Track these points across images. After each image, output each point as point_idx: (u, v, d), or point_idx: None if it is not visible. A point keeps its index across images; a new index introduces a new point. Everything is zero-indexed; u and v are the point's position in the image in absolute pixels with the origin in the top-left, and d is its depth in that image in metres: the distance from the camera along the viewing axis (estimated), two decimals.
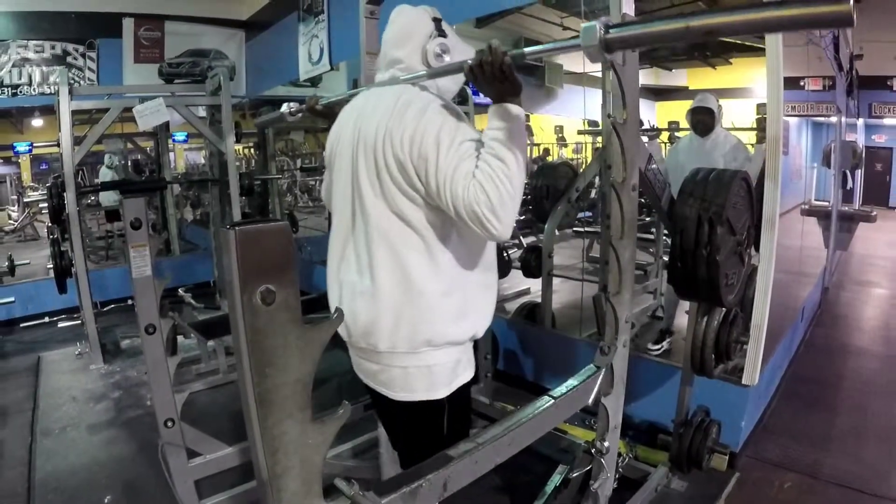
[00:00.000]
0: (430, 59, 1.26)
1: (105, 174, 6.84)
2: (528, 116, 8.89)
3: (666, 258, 3.92)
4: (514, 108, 1.11)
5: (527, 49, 1.04)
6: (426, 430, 1.28)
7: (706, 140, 3.28)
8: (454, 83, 1.34)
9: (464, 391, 1.31)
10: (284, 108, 1.74)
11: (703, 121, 3.28)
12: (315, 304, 2.60)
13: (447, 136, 1.10)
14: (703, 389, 2.20)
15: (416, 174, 1.12)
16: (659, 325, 3.62)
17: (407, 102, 1.17)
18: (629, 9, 1.56)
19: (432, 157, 1.09)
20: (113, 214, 6.31)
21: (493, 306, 1.34)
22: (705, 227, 1.75)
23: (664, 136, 7.14)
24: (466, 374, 1.30)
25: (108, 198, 6.41)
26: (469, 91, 3.94)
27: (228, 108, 3.93)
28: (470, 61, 1.09)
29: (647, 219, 4.61)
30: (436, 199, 1.12)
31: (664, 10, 4.49)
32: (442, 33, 1.28)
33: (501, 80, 1.08)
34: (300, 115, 1.70)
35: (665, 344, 3.41)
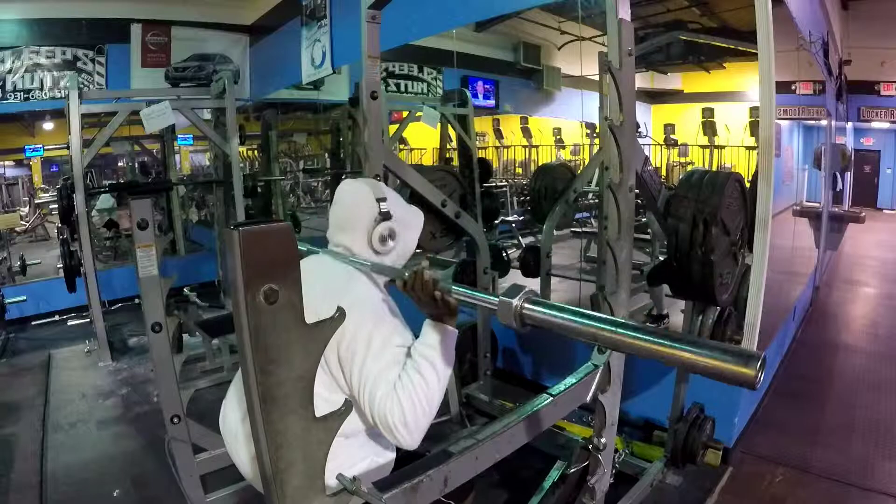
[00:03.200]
0: (375, 245, 1.25)
1: (105, 202, 6.78)
2: (526, 119, 8.90)
3: (662, 258, 3.92)
4: (445, 330, 1.09)
5: (454, 286, 1.04)
6: None
7: None
8: (413, 243, 1.34)
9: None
10: None
11: None
12: None
13: (378, 339, 1.08)
14: (697, 387, 2.20)
15: (339, 366, 1.10)
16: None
17: (342, 292, 1.13)
18: (625, 14, 1.55)
19: (360, 355, 1.07)
20: (111, 223, 6.31)
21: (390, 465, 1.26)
22: (700, 227, 1.74)
23: (659, 138, 7.13)
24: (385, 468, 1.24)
25: (104, 204, 6.39)
26: (468, 94, 3.93)
27: (233, 110, 3.92)
28: (406, 275, 1.09)
29: (644, 219, 4.61)
30: (354, 395, 1.09)
31: (659, 14, 4.49)
32: (386, 216, 1.25)
33: (434, 305, 1.08)
34: None
35: (662, 324, 3.48)
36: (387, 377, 1.06)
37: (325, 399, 1.09)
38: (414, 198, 2.25)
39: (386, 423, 1.04)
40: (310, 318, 1.09)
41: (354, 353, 1.08)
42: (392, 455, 1.24)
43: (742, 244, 1.97)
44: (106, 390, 3.32)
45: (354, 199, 1.28)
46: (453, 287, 1.04)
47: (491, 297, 0.97)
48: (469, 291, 1.04)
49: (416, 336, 1.13)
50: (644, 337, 0.79)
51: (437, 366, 1.07)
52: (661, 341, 0.77)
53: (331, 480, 0.95)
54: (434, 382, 1.06)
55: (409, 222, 1.33)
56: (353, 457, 1.14)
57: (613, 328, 0.83)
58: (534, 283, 3.61)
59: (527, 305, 0.91)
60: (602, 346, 1.58)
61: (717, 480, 2.24)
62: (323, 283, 1.16)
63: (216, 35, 5.87)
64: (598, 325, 0.84)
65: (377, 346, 1.08)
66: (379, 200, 1.26)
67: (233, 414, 1.25)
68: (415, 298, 1.09)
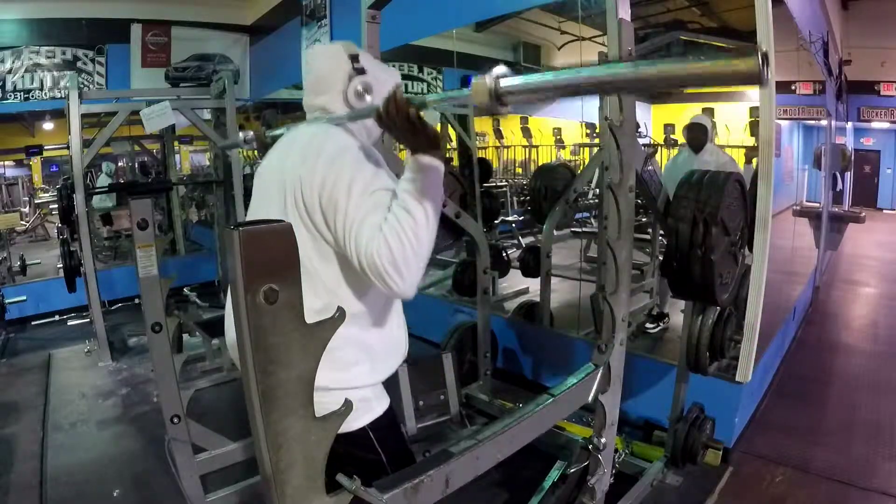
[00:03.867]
0: (351, 101, 1.21)
1: (103, 181, 6.81)
2: (526, 119, 8.90)
3: (661, 258, 3.92)
4: (428, 160, 1.02)
5: (428, 97, 0.98)
6: (360, 464, 1.14)
7: (700, 155, 3.43)
8: None
9: (385, 422, 1.22)
10: (241, 135, 1.81)
11: (697, 137, 3.45)
12: None
13: (359, 183, 1.03)
14: (697, 387, 2.20)
15: (324, 220, 1.06)
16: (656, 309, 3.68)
17: (320, 146, 1.09)
18: (625, 14, 1.55)
19: (342, 203, 1.02)
20: (106, 217, 6.31)
21: (396, 362, 1.24)
22: (700, 227, 1.74)
23: (660, 138, 7.11)
24: (378, 409, 1.21)
25: (101, 202, 6.40)
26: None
27: (232, 110, 3.92)
28: (380, 108, 1.01)
29: (644, 219, 4.61)
30: (342, 247, 1.04)
31: (659, 14, 4.49)
32: (361, 71, 1.21)
33: (412, 130, 1.00)
34: (254, 143, 1.83)
35: (661, 324, 3.49)
36: (371, 220, 1.01)
37: (319, 251, 1.08)
38: None
39: (375, 266, 0.98)
40: (286, 182, 1.10)
41: (337, 201, 1.03)
42: (386, 402, 1.22)
43: (742, 244, 1.97)
44: (106, 390, 3.32)
45: (327, 57, 1.23)
46: (428, 97, 0.99)
47: (463, 90, 0.90)
48: (443, 95, 1.00)
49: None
50: (627, 69, 0.70)
51: (423, 200, 1.00)
52: (649, 67, 0.67)
53: (322, 381, 0.88)
54: (422, 218, 1.00)
55: (383, 79, 1.26)
56: (352, 393, 1.08)
57: (592, 73, 0.75)
58: (534, 283, 3.62)
59: (502, 81, 0.84)
60: (602, 347, 1.57)
61: (717, 480, 2.24)
62: (300, 146, 1.13)
63: (216, 35, 5.87)
64: (580, 73, 0.76)
65: (358, 191, 1.03)
66: (352, 57, 1.22)
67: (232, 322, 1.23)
68: (393, 129, 1.02)
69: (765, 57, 0.60)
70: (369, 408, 1.18)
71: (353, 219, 1.01)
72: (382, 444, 1.19)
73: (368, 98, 1.21)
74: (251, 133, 1.81)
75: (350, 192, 1.03)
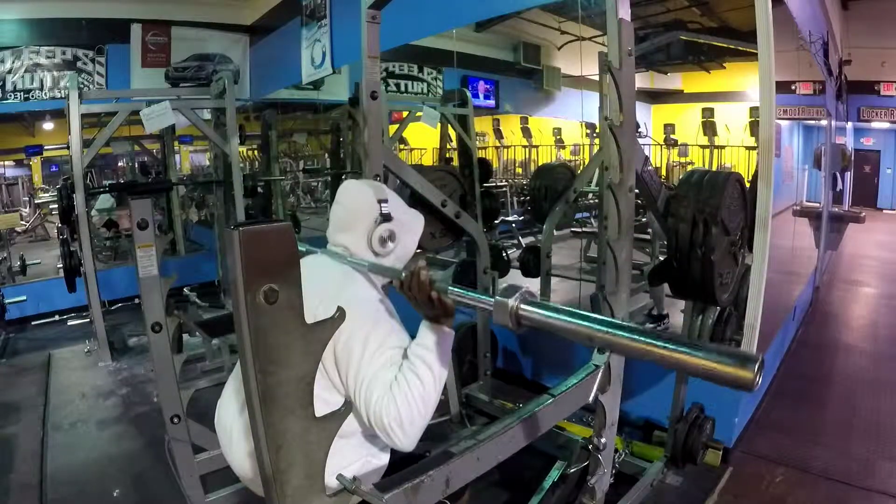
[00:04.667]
0: (374, 246, 1.26)
1: (104, 203, 6.77)
2: (526, 119, 8.90)
3: (662, 258, 3.92)
4: (442, 331, 1.09)
5: (451, 287, 1.04)
6: None
7: None
8: (412, 245, 1.34)
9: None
10: None
11: None
12: None
13: (375, 340, 1.08)
14: (697, 387, 2.19)
15: (336, 368, 1.10)
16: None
17: (338, 291, 1.14)
18: (625, 14, 1.55)
19: (356, 357, 1.07)
20: (110, 223, 6.31)
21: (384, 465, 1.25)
22: (700, 227, 1.74)
23: (659, 138, 7.13)
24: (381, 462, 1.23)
25: (101, 204, 6.40)
26: (468, 94, 3.93)
27: (232, 110, 3.92)
28: (403, 275, 1.09)
29: (643, 219, 4.61)
30: (350, 397, 1.09)
31: (659, 14, 4.49)
32: (387, 217, 1.26)
33: (430, 306, 1.07)
34: None
35: (661, 324, 3.50)
36: (383, 378, 1.06)
37: (322, 399, 1.09)
38: (414, 198, 2.25)
39: (381, 423, 1.04)
40: (306, 318, 1.10)
41: (351, 353, 1.08)
42: (386, 457, 1.24)
43: (742, 244, 1.97)
44: (106, 390, 3.32)
45: (356, 199, 1.29)
46: (450, 288, 1.04)
47: (486, 298, 0.97)
48: (465, 292, 1.04)
49: (413, 337, 1.13)
50: (639, 339, 0.78)
51: (433, 367, 1.07)
52: (656, 343, 0.76)
53: (327, 480, 0.95)
54: (430, 383, 1.06)
55: (410, 225, 1.33)
56: (347, 457, 1.14)
57: (608, 329, 0.82)
58: (534, 283, 3.62)
59: (522, 306, 0.91)
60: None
61: (717, 480, 2.24)
62: (319, 283, 1.16)
63: (216, 35, 5.87)
64: (593, 326, 0.84)
65: (373, 348, 1.08)
66: (380, 202, 1.27)
67: (227, 410, 1.25)
68: (411, 299, 1.09)
69: (761, 364, 0.66)
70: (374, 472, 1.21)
71: (365, 374, 1.06)
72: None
73: (390, 245, 1.27)
74: None
75: (365, 347, 1.08)
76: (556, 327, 0.88)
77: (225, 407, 1.27)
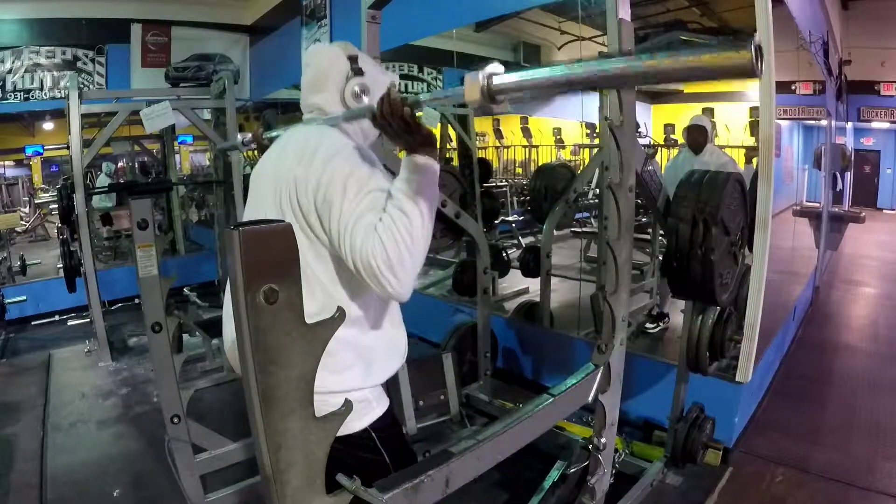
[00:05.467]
0: (348, 102, 1.21)
1: (103, 181, 6.82)
2: (526, 119, 8.90)
3: (662, 258, 3.92)
4: (423, 160, 1.03)
5: (422, 96, 0.97)
6: (363, 464, 1.13)
7: (699, 156, 3.45)
8: None
9: (386, 421, 1.21)
10: (239, 137, 1.84)
11: (697, 138, 3.45)
12: None
13: (354, 184, 1.03)
14: (697, 386, 2.20)
15: (319, 221, 1.06)
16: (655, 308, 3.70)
17: (315, 147, 1.09)
18: (625, 13, 1.55)
19: (336, 204, 1.02)
20: (106, 218, 6.31)
21: (397, 363, 1.24)
22: (700, 227, 1.74)
23: (660, 139, 7.12)
24: (378, 410, 1.20)
25: (100, 202, 6.41)
26: None
27: (233, 110, 3.92)
28: (375, 108, 1.01)
29: (644, 219, 4.61)
30: (336, 248, 1.04)
31: (659, 14, 4.49)
32: (359, 72, 1.21)
33: (407, 130, 1.00)
34: (252, 144, 1.88)
35: (661, 324, 3.50)
36: (366, 220, 1.00)
37: (314, 251, 1.08)
38: None
39: (369, 267, 0.97)
40: (286, 179, 1.10)
41: (331, 201, 1.03)
42: (386, 403, 1.22)
43: (742, 244, 1.97)
44: (106, 390, 3.32)
45: (326, 57, 1.24)
46: (422, 96, 0.98)
47: (457, 87, 0.89)
48: (436, 94, 0.99)
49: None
50: (618, 64, 0.69)
51: (418, 200, 1.00)
52: (637, 62, 0.67)
53: (322, 383, 0.87)
54: (417, 218, 0.99)
55: (382, 80, 1.27)
56: (351, 392, 1.09)
57: (585, 66, 0.74)
58: (534, 283, 3.62)
59: (494, 79, 0.83)
60: (602, 347, 1.58)
61: (717, 480, 2.24)
62: (295, 147, 1.13)
63: (216, 35, 5.87)
64: (570, 70, 0.76)
65: (353, 191, 1.02)
66: (351, 58, 1.23)
67: (230, 324, 1.23)
68: (388, 128, 1.02)
69: (758, 49, 0.59)
70: (369, 409, 1.18)
71: (347, 219, 1.01)
72: (384, 443, 1.19)
73: (365, 99, 1.21)
74: (249, 135, 1.84)
75: (345, 193, 1.02)
76: (531, 85, 0.81)
77: (227, 319, 1.23)
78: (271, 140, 1.47)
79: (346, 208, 1.02)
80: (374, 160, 1.15)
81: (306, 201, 1.06)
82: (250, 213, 1.26)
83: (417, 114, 0.99)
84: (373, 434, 1.17)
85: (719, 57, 0.60)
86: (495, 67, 0.85)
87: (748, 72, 0.59)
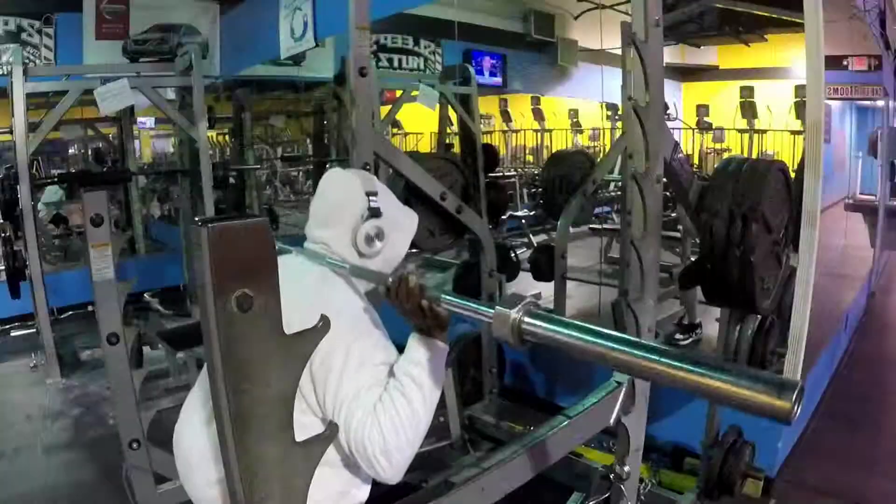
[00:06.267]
0: (359, 245, 1.24)
1: (53, 194, 6.76)
2: (538, 99, 8.91)
3: (694, 259, 3.93)
4: (434, 345, 1.09)
5: (443, 296, 1.03)
6: None
7: None
8: (403, 247, 1.33)
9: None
10: None
11: None
12: None
13: (357, 356, 1.08)
14: None
15: (312, 386, 1.09)
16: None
17: (324, 303, 1.11)
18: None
19: (335, 374, 1.07)
20: (58, 218, 6.31)
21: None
22: (738, 223, 1.74)
23: (691, 121, 7.13)
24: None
25: (49, 197, 6.40)
26: (471, 70, 3.94)
27: (201, 89, 3.92)
28: (390, 281, 1.08)
29: (673, 214, 4.61)
30: (328, 418, 1.09)
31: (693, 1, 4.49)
32: (376, 213, 1.25)
33: (421, 316, 1.07)
34: None
35: (693, 335, 3.51)
36: (365, 399, 1.05)
37: (299, 423, 1.09)
38: (409, 190, 2.25)
39: (364, 452, 1.03)
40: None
41: (329, 371, 1.07)
42: (368, 488, 1.23)
43: (786, 243, 1.98)
44: (55, 411, 3.32)
45: (341, 189, 1.28)
46: (443, 297, 1.03)
47: (485, 309, 0.95)
48: (460, 301, 1.02)
49: (402, 351, 1.13)
50: (659, 359, 0.77)
51: (423, 386, 1.06)
52: (679, 364, 0.74)
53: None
54: (420, 405, 1.06)
55: (401, 223, 1.32)
56: (323, 488, 1.10)
57: (623, 348, 0.81)
58: (547, 288, 3.62)
59: (526, 319, 0.89)
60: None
61: None
62: (293, 288, 1.14)
63: (182, 3, 5.87)
64: (606, 343, 0.83)
65: (355, 364, 1.07)
66: (369, 195, 1.26)
67: (188, 427, 1.24)
68: (399, 308, 1.09)
69: (800, 394, 0.64)
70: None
71: (346, 394, 1.05)
72: None
73: (378, 245, 1.25)
74: None
75: (346, 363, 1.06)
76: (564, 343, 0.87)
77: (185, 423, 1.25)
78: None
79: (345, 382, 1.06)
80: (379, 324, 1.19)
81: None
82: None
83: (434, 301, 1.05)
84: None
85: (757, 394, 0.66)
86: (529, 306, 0.90)
87: (781, 418, 0.64)
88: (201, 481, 1.17)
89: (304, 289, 1.17)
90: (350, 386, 1.06)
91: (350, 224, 1.25)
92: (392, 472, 1.04)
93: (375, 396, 1.05)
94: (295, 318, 1.05)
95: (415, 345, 1.09)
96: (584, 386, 1.60)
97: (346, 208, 1.25)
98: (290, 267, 1.24)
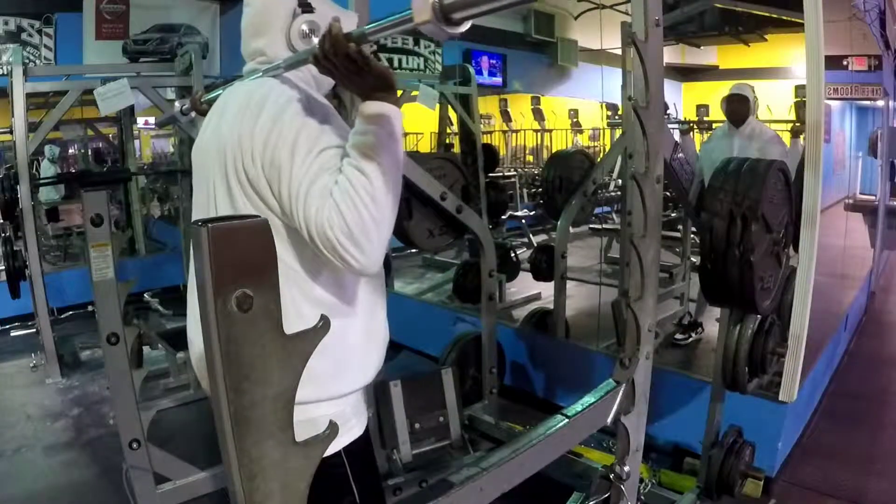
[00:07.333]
0: (295, 44, 1.17)
1: (47, 169, 6.78)
2: (538, 99, 8.92)
3: (694, 259, 3.93)
4: (378, 106, 0.98)
5: (366, 28, 0.91)
6: (329, 493, 1.13)
7: (741, 130, 3.40)
8: None
9: (363, 444, 1.21)
10: (176, 105, 1.70)
11: (737, 110, 3.42)
12: None
13: (305, 143, 1.00)
14: (735, 407, 2.20)
15: (269, 188, 1.03)
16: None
17: (261, 102, 1.06)
18: None
19: (286, 167, 1.00)
20: (52, 212, 6.29)
21: (379, 357, 1.22)
22: (738, 223, 1.74)
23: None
24: (356, 430, 1.19)
25: (48, 194, 6.39)
26: (471, 70, 3.94)
27: (200, 89, 3.92)
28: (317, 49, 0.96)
29: (673, 214, 4.61)
30: (289, 219, 1.02)
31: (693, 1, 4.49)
32: (307, 7, 1.18)
33: (356, 71, 0.95)
34: (191, 112, 1.68)
35: (694, 335, 3.52)
36: (319, 184, 0.97)
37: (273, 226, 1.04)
38: (408, 190, 2.25)
39: (327, 240, 0.95)
40: (226, 152, 1.07)
41: (280, 165, 1.00)
42: (364, 422, 1.20)
43: (786, 243, 1.97)
44: (55, 411, 3.32)
45: None
46: (366, 28, 0.92)
47: (402, 14, 0.85)
48: (381, 22, 0.91)
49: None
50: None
51: (377, 155, 0.96)
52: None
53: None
54: (377, 177, 0.96)
55: (335, 15, 1.22)
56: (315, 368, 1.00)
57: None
58: (547, 288, 3.62)
59: None
60: (625, 361, 1.58)
61: None
62: (235, 106, 1.10)
63: (181, 3, 5.88)
64: None
65: (303, 151, 1.00)
66: None
67: (196, 328, 1.20)
68: (334, 73, 0.98)
69: None
70: (346, 427, 1.14)
71: (298, 184, 0.98)
72: (357, 475, 1.15)
73: (315, 40, 1.15)
74: (187, 102, 1.68)
75: (294, 153, 1.00)
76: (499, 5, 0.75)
77: (194, 330, 1.20)
78: (210, 102, 1.40)
79: (296, 171, 0.99)
80: (329, 112, 1.12)
81: (253, 167, 1.04)
82: (196, 196, 1.23)
83: (368, 49, 0.95)
84: (345, 461, 1.14)
85: None
86: None
87: None
88: (198, 352, 1.15)
89: (245, 96, 1.11)
90: (302, 176, 0.99)
91: (282, 25, 1.19)
92: (363, 258, 0.96)
93: (330, 180, 0.97)
94: (245, 127, 1.03)
95: (361, 112, 1.00)
96: (583, 386, 1.60)
97: (274, 8, 1.19)
98: (230, 91, 1.20)
